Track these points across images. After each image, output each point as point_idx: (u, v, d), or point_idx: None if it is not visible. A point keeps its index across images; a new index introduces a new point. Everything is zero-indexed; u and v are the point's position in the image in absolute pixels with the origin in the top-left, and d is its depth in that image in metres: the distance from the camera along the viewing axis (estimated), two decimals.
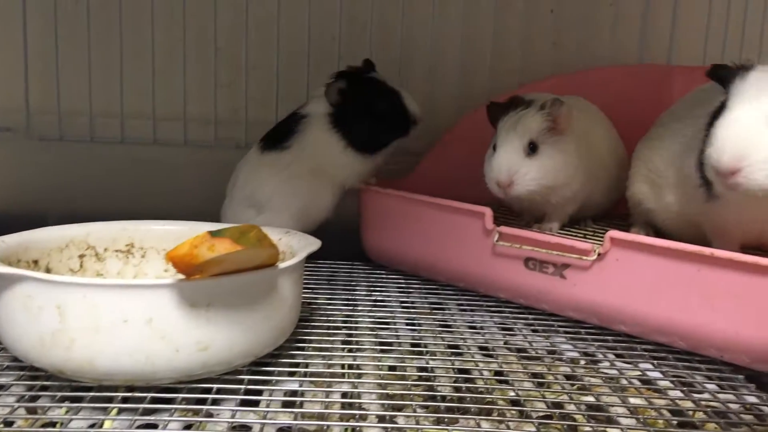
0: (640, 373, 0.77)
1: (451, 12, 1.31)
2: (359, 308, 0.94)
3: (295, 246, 0.80)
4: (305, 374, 0.73)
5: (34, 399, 0.66)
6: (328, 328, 0.86)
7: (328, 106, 1.06)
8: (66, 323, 0.60)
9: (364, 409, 0.66)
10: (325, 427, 0.62)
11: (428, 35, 1.30)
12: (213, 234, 0.59)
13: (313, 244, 0.79)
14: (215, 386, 0.67)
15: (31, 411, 0.64)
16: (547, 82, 1.24)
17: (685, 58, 1.32)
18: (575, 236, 1.00)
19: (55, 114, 1.26)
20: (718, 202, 0.80)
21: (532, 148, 0.94)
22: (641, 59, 1.29)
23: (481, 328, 0.89)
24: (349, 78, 1.06)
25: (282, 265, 0.69)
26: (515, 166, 0.94)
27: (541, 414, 0.67)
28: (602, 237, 0.83)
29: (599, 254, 0.82)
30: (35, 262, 0.78)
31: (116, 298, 0.60)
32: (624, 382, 0.75)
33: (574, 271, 0.85)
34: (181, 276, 0.62)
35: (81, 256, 0.84)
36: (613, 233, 0.81)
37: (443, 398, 0.68)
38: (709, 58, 1.27)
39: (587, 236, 1.01)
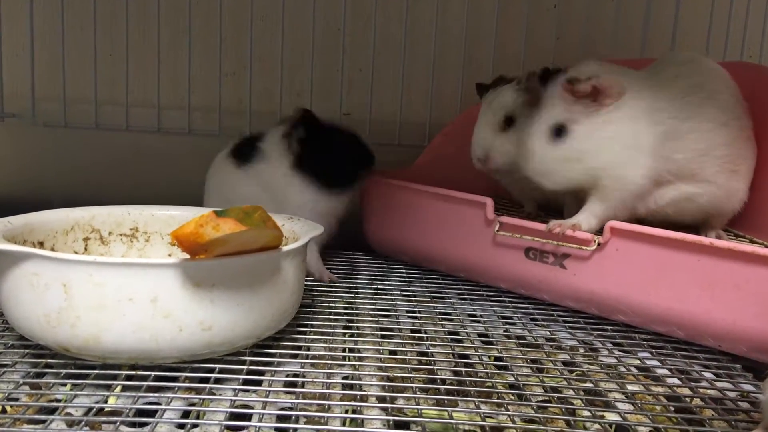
0: (638, 361, 0.78)
1: (455, 6, 1.32)
2: (360, 296, 0.95)
3: (298, 231, 0.81)
4: (307, 357, 0.74)
5: (38, 376, 0.66)
6: (330, 314, 0.87)
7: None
8: (72, 301, 0.61)
9: (364, 391, 0.67)
10: (326, 407, 0.63)
11: (432, 29, 1.31)
12: (218, 214, 0.59)
13: (316, 229, 0.80)
14: (218, 366, 0.68)
15: (35, 388, 0.65)
16: None
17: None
18: None
19: (60, 101, 1.27)
20: None
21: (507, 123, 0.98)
22: (643, 54, 1.29)
23: (481, 317, 0.90)
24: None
25: (285, 247, 0.69)
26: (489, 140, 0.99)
27: (539, 398, 0.68)
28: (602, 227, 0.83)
29: (599, 244, 0.83)
30: (40, 243, 0.79)
31: (122, 277, 0.61)
32: (622, 369, 0.76)
33: (574, 261, 0.86)
34: (185, 256, 0.62)
35: (86, 239, 0.84)
36: (614, 223, 0.82)
37: (443, 382, 0.69)
38: (712, 53, 1.28)
39: None
